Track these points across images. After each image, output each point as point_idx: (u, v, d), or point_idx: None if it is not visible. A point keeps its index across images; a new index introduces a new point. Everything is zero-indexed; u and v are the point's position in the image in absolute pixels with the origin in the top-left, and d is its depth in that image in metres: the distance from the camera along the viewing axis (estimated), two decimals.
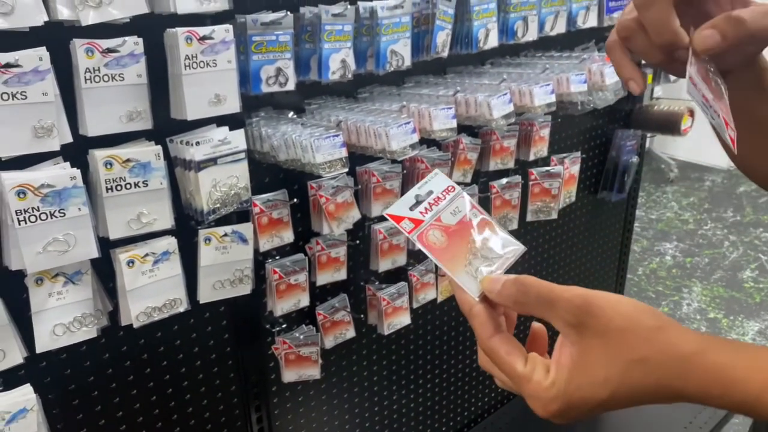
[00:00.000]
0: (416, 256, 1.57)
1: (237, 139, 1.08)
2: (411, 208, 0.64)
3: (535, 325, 0.63)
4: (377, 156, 1.21)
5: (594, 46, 1.73)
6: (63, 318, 1.03)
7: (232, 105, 1.06)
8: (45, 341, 1.02)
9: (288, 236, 1.30)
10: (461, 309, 0.61)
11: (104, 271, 1.08)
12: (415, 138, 1.16)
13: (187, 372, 1.30)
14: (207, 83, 1.02)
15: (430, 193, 0.65)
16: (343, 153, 1.10)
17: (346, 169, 1.13)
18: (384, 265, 1.45)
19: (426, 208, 0.64)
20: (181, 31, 0.97)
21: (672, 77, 1.99)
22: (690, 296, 3.31)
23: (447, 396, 1.93)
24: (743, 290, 3.34)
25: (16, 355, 1.00)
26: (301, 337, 1.36)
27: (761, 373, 0.50)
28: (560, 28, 1.54)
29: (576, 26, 1.57)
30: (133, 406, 1.24)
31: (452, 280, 0.61)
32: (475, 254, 0.63)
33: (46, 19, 0.87)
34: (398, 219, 0.63)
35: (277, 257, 1.32)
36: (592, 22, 1.60)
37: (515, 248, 0.64)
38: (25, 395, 1.00)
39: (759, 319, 3.12)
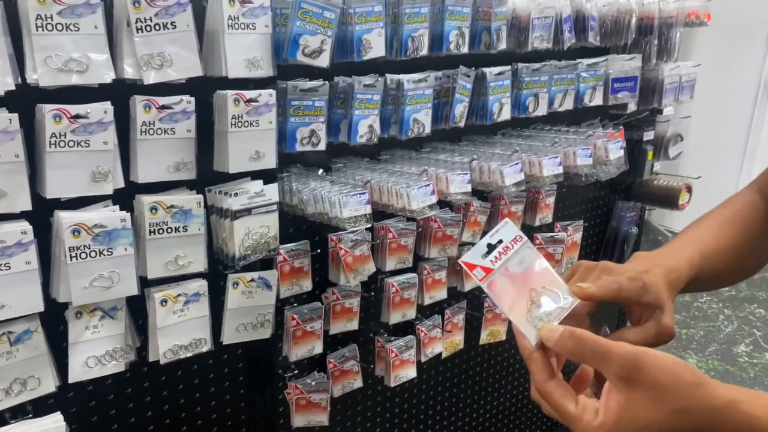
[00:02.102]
0: (424, 311, 1.64)
1: (271, 192, 1.17)
2: (483, 256, 0.69)
3: (585, 366, 0.72)
4: (396, 213, 1.29)
5: (599, 123, 1.84)
6: (96, 351, 1.09)
7: (270, 161, 1.15)
8: (78, 372, 1.08)
9: (307, 285, 1.37)
10: (521, 353, 0.69)
11: (134, 308, 1.15)
12: (434, 199, 1.25)
13: (202, 411, 1.35)
14: (249, 141, 1.11)
15: (500, 242, 0.70)
16: (368, 210, 1.19)
17: (370, 225, 1.22)
18: (395, 317, 1.51)
19: (496, 257, 0.69)
20: (230, 94, 1.07)
21: (671, 154, 2.11)
22: None
23: None
24: (737, 364, 3.38)
25: (49, 384, 1.06)
26: (313, 383, 1.42)
27: None
28: (568, 105, 1.66)
29: (583, 104, 1.69)
30: None
31: (515, 326, 0.68)
32: (536, 303, 0.70)
33: (114, 77, 0.98)
34: (471, 267, 0.69)
35: (295, 304, 1.39)
36: (598, 100, 1.72)
37: (571, 300, 0.71)
38: (56, 422, 1.04)
39: None
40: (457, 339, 1.74)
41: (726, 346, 3.57)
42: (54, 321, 1.07)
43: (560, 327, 0.67)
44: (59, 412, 1.07)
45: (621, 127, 1.85)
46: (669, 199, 2.14)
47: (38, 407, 1.08)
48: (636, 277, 0.76)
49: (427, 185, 1.23)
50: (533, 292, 0.70)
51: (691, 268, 0.83)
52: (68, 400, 1.16)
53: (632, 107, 1.91)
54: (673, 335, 0.77)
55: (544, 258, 0.72)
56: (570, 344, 0.65)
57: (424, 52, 1.31)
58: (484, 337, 1.82)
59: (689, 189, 2.12)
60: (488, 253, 0.69)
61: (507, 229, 0.71)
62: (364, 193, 1.18)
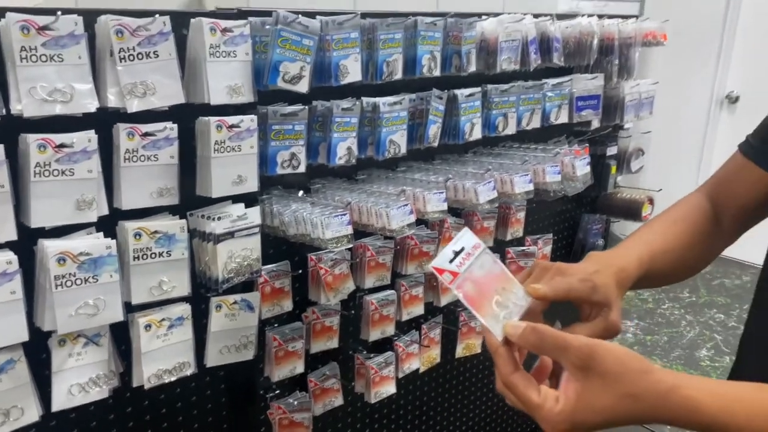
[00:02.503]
0: (401, 327, 1.67)
1: (253, 215, 1.19)
2: (449, 262, 0.76)
3: (544, 358, 0.78)
4: (376, 233, 1.32)
5: (565, 140, 1.91)
6: (80, 378, 1.09)
7: (252, 185, 1.17)
8: (61, 400, 1.08)
9: (288, 305, 1.39)
10: (489, 349, 0.75)
11: (116, 333, 1.15)
12: (413, 218, 1.29)
13: None
14: (232, 165, 1.13)
15: (462, 249, 0.77)
16: (350, 230, 1.22)
17: (352, 245, 1.24)
18: (374, 334, 1.54)
19: (460, 263, 0.76)
20: (213, 120, 1.09)
21: (634, 168, 2.19)
22: None
23: None
24: (700, 368, 3.49)
25: (33, 413, 1.05)
26: (295, 402, 1.43)
27: (718, 401, 0.67)
28: (535, 123, 1.72)
29: (549, 122, 1.76)
30: None
31: (482, 324, 0.74)
32: (498, 303, 0.77)
33: (98, 106, 0.99)
34: (441, 271, 0.75)
35: (276, 325, 1.41)
36: (563, 118, 1.79)
37: (527, 299, 0.79)
38: None
39: None
40: (434, 353, 1.77)
41: (689, 351, 3.68)
42: (36, 349, 1.06)
43: (523, 323, 0.74)
44: None
45: (586, 143, 1.92)
46: (632, 212, 2.21)
47: None
48: (586, 278, 0.83)
49: (406, 205, 1.27)
50: (495, 292, 0.77)
51: (639, 268, 0.90)
52: (51, 429, 1.15)
53: (596, 124, 1.98)
54: (619, 331, 0.84)
55: (500, 262, 0.80)
56: (532, 338, 0.72)
57: (399, 75, 1.35)
58: (460, 351, 1.85)
59: (651, 201, 2.20)
60: (453, 259, 0.76)
61: (467, 238, 0.78)
62: (345, 214, 1.21)
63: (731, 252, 1.09)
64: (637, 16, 2.01)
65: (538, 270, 0.86)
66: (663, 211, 1.03)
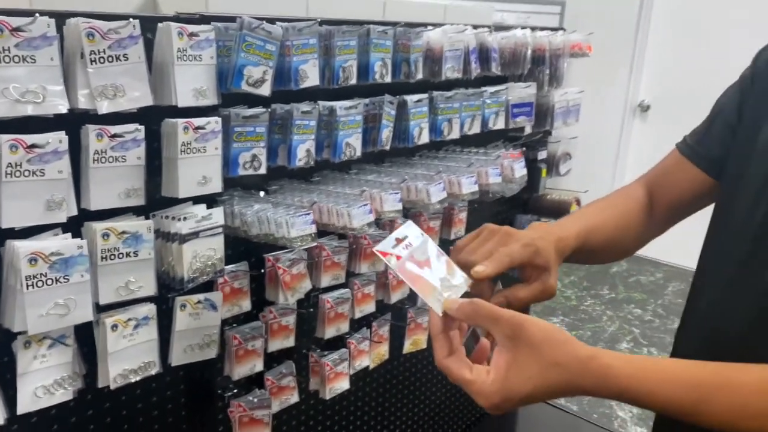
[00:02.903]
0: (353, 325, 1.72)
1: (217, 216, 1.22)
2: (393, 247, 0.83)
3: (483, 340, 0.88)
4: (337, 232, 1.38)
5: (502, 144, 2.03)
6: (45, 380, 1.09)
7: (216, 185, 1.20)
8: (27, 403, 1.07)
9: (246, 305, 1.42)
10: (430, 332, 0.83)
11: (79, 335, 1.14)
12: (372, 218, 1.35)
13: None
14: (197, 166, 1.16)
15: (405, 237, 0.85)
16: (314, 229, 1.27)
17: (315, 243, 1.29)
18: (329, 332, 1.59)
19: (404, 248, 0.84)
20: (180, 122, 1.12)
21: (562, 171, 2.34)
22: None
23: None
24: None
25: None
26: (255, 400, 1.46)
27: (632, 368, 0.75)
28: (476, 128, 1.82)
29: (488, 128, 1.86)
30: None
31: (425, 301, 0.83)
32: (441, 285, 0.84)
33: (69, 107, 1.00)
34: (385, 254, 0.83)
35: (234, 325, 1.43)
36: (500, 124, 1.90)
37: (467, 280, 0.88)
38: None
39: None
40: (383, 350, 1.83)
41: (611, 344, 3.92)
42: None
43: (460, 299, 0.82)
44: None
45: (520, 147, 2.04)
46: (562, 212, 2.36)
47: None
48: (529, 243, 0.93)
49: (366, 204, 1.33)
50: (437, 275, 0.85)
51: (576, 240, 1.01)
52: None
53: (528, 130, 2.12)
54: (554, 294, 0.95)
55: (441, 250, 0.89)
56: (468, 310, 0.80)
57: (353, 81, 1.42)
58: (408, 347, 1.92)
59: (578, 202, 2.36)
60: (397, 245, 0.84)
61: (411, 228, 0.87)
62: (309, 214, 1.26)
63: (645, 251, 1.21)
64: (563, 29, 2.16)
65: (486, 232, 0.96)
66: (606, 195, 1.15)
